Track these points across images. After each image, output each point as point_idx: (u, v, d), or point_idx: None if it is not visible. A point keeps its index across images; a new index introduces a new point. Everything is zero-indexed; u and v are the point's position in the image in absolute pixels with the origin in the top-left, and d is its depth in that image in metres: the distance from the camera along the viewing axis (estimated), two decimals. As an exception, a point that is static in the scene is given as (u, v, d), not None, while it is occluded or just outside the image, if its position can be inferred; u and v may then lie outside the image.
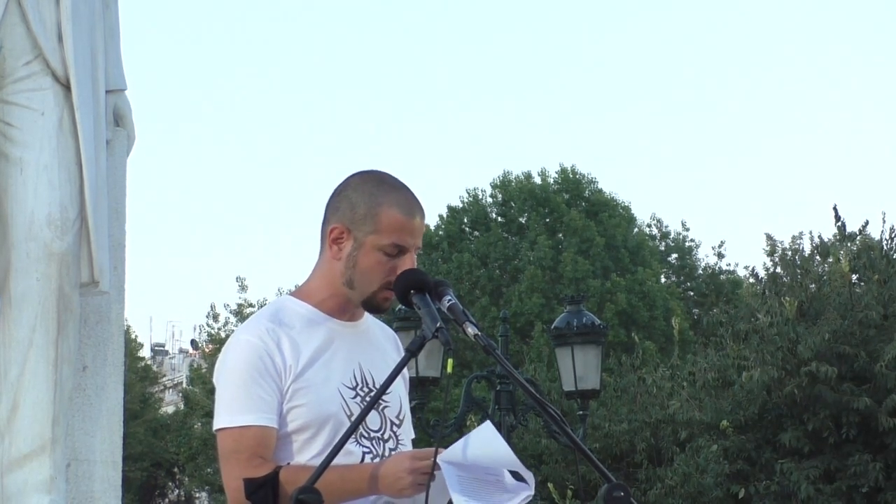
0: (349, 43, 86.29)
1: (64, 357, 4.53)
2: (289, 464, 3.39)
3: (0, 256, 4.58)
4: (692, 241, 38.82)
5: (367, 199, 3.49)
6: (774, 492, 16.46)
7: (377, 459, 3.44)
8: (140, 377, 40.40)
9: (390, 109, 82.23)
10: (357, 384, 3.50)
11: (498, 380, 13.77)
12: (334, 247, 3.52)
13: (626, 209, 36.33)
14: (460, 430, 17.38)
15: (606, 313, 30.77)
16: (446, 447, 3.28)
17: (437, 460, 3.22)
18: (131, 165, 5.04)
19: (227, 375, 3.44)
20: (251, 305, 35.47)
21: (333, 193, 3.57)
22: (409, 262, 3.49)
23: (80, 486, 4.76)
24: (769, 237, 21.27)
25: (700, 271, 38.33)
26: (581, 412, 13.83)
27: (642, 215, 42.09)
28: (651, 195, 78.22)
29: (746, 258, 45.43)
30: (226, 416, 3.41)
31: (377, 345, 3.62)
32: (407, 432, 3.59)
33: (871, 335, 16.96)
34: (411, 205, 3.52)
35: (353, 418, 3.40)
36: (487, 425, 3.28)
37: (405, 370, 3.48)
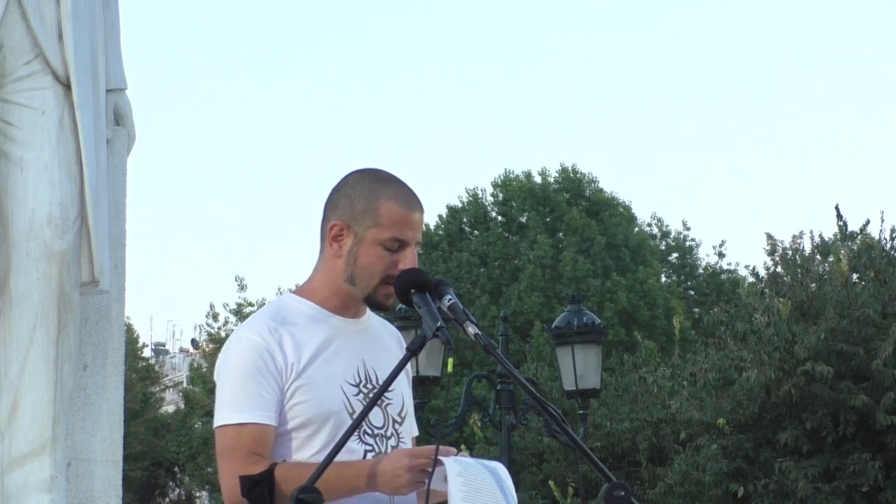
0: (349, 42, 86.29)
1: (64, 356, 4.53)
2: (284, 460, 3.39)
3: (0, 255, 4.58)
4: (693, 240, 38.88)
5: (365, 194, 3.50)
6: (773, 491, 16.44)
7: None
8: (140, 376, 40.37)
9: (390, 109, 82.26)
10: (360, 381, 3.49)
11: (498, 379, 13.78)
12: (335, 244, 3.52)
13: (627, 208, 36.33)
14: (460, 428, 17.41)
15: (606, 312, 30.79)
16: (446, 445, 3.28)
17: (439, 458, 3.22)
18: (132, 164, 5.04)
19: (228, 373, 3.44)
20: (251, 305, 35.52)
21: (332, 191, 3.57)
22: (410, 255, 3.49)
23: (81, 485, 4.75)
24: (769, 236, 21.21)
25: (701, 271, 38.35)
26: (581, 411, 13.84)
27: (643, 214, 42.21)
28: (652, 194, 78.20)
29: (747, 257, 45.46)
30: (225, 413, 3.41)
31: (381, 342, 3.62)
32: (409, 430, 3.58)
33: (869, 333, 16.94)
34: (410, 198, 3.52)
35: (355, 416, 3.40)
36: (499, 465, 3.30)
37: (407, 368, 3.48)
